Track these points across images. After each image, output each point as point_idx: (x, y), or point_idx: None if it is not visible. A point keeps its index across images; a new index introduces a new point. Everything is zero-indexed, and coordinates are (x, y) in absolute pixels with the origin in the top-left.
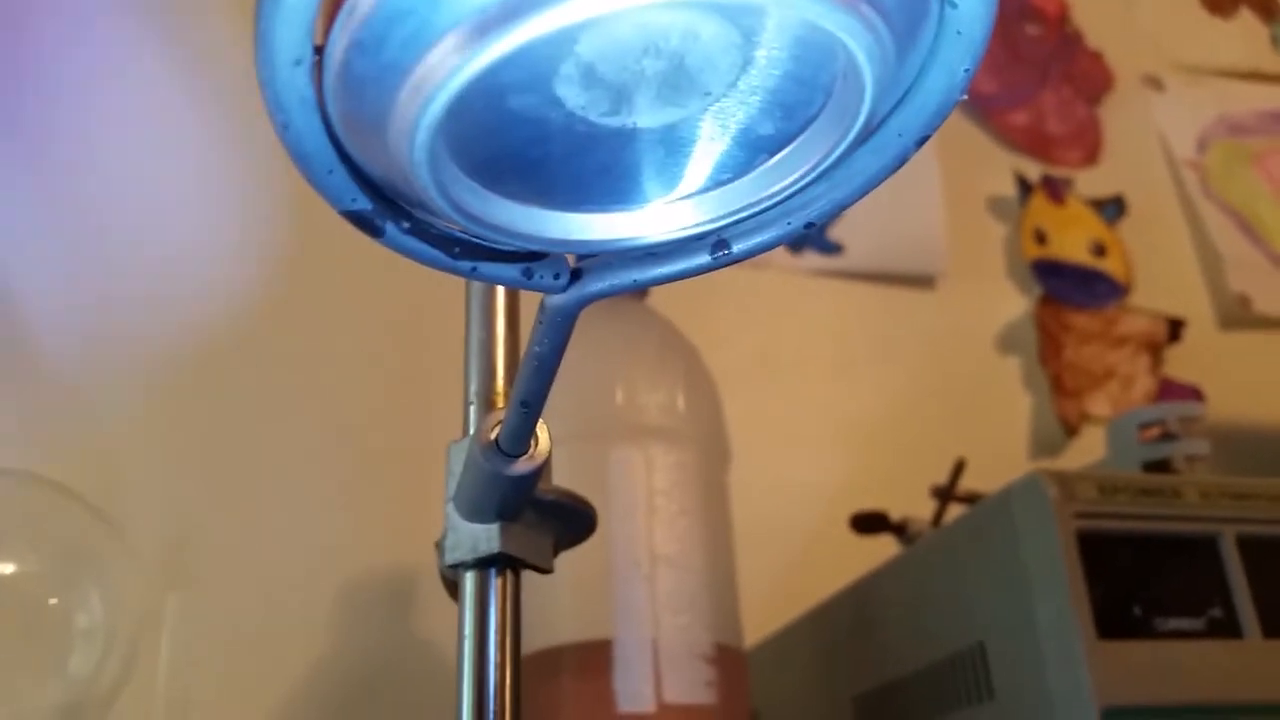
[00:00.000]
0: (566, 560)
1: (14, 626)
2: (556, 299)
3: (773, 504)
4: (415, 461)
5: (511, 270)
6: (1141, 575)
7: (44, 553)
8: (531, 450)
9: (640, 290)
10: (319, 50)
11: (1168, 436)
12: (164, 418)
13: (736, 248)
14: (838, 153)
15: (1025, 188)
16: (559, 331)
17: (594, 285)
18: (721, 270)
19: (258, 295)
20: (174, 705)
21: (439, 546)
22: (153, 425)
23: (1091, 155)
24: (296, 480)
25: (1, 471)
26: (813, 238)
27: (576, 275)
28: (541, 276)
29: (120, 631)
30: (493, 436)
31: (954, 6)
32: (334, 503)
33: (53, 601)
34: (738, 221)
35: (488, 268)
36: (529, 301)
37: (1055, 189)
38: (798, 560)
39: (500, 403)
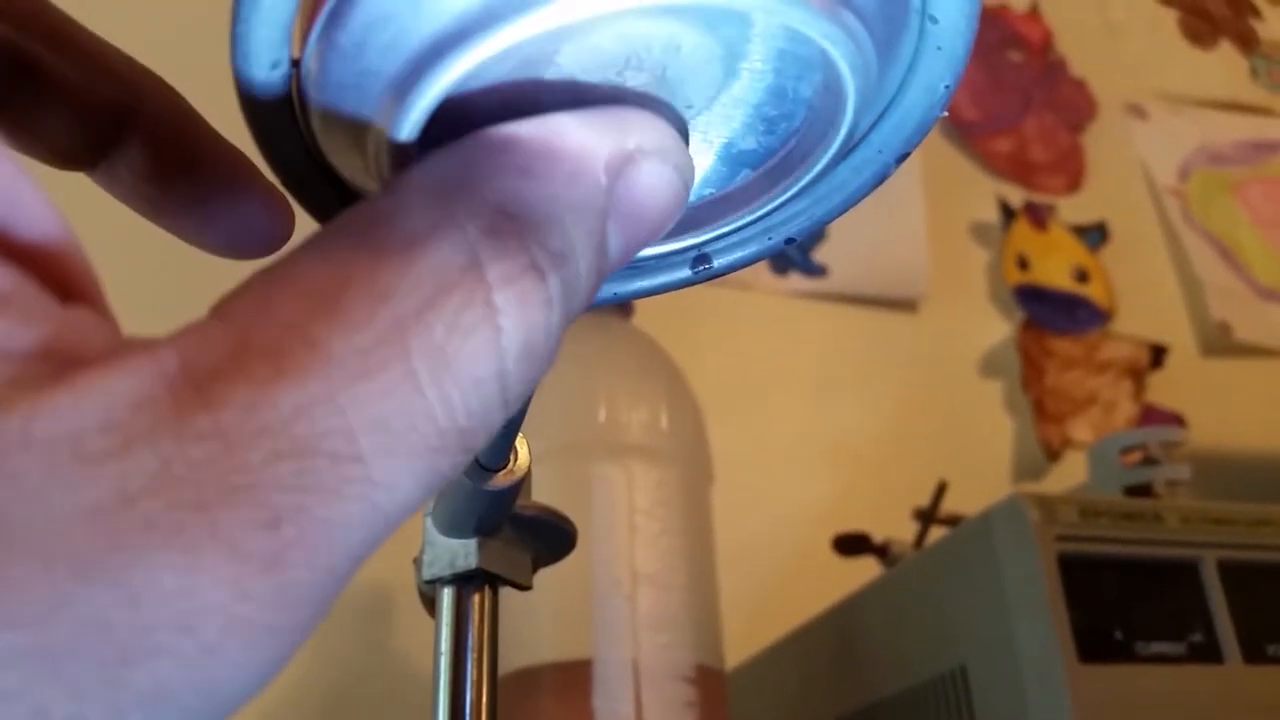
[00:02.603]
0: (546, 578)
1: None
2: None
3: (755, 525)
4: None
5: None
6: (1122, 599)
7: None
8: (510, 465)
9: (624, 308)
10: (297, 55)
11: (1149, 461)
12: None
13: (718, 262)
14: (819, 167)
15: (1008, 213)
16: None
17: None
18: (706, 291)
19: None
20: None
21: (417, 562)
22: None
23: (1074, 182)
24: None
25: None
26: (797, 260)
27: None
28: None
29: None
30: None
31: (934, 21)
32: None
33: None
34: (719, 236)
35: None
36: None
37: (1038, 215)
38: (779, 581)
39: None
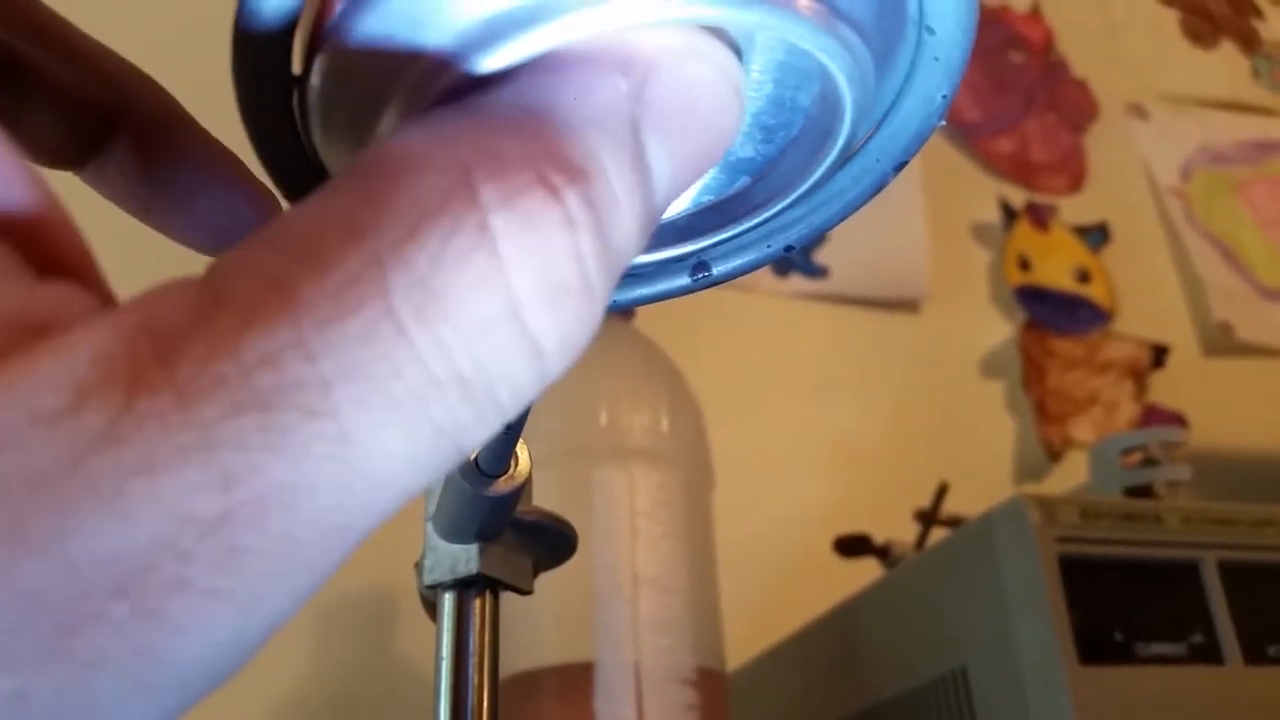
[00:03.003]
0: (548, 582)
1: None
2: None
3: (756, 526)
4: None
5: None
6: (1123, 600)
7: None
8: (511, 470)
9: (625, 312)
10: (299, 73)
11: (1150, 462)
12: None
13: (717, 270)
14: (817, 176)
15: (1009, 214)
16: None
17: None
18: (706, 294)
19: None
20: None
21: (418, 567)
22: None
23: (1076, 182)
24: None
25: None
26: (798, 261)
27: None
28: None
29: None
30: (472, 456)
31: (931, 32)
32: None
33: None
34: (718, 244)
35: None
36: None
37: (1039, 216)
38: (780, 583)
39: None
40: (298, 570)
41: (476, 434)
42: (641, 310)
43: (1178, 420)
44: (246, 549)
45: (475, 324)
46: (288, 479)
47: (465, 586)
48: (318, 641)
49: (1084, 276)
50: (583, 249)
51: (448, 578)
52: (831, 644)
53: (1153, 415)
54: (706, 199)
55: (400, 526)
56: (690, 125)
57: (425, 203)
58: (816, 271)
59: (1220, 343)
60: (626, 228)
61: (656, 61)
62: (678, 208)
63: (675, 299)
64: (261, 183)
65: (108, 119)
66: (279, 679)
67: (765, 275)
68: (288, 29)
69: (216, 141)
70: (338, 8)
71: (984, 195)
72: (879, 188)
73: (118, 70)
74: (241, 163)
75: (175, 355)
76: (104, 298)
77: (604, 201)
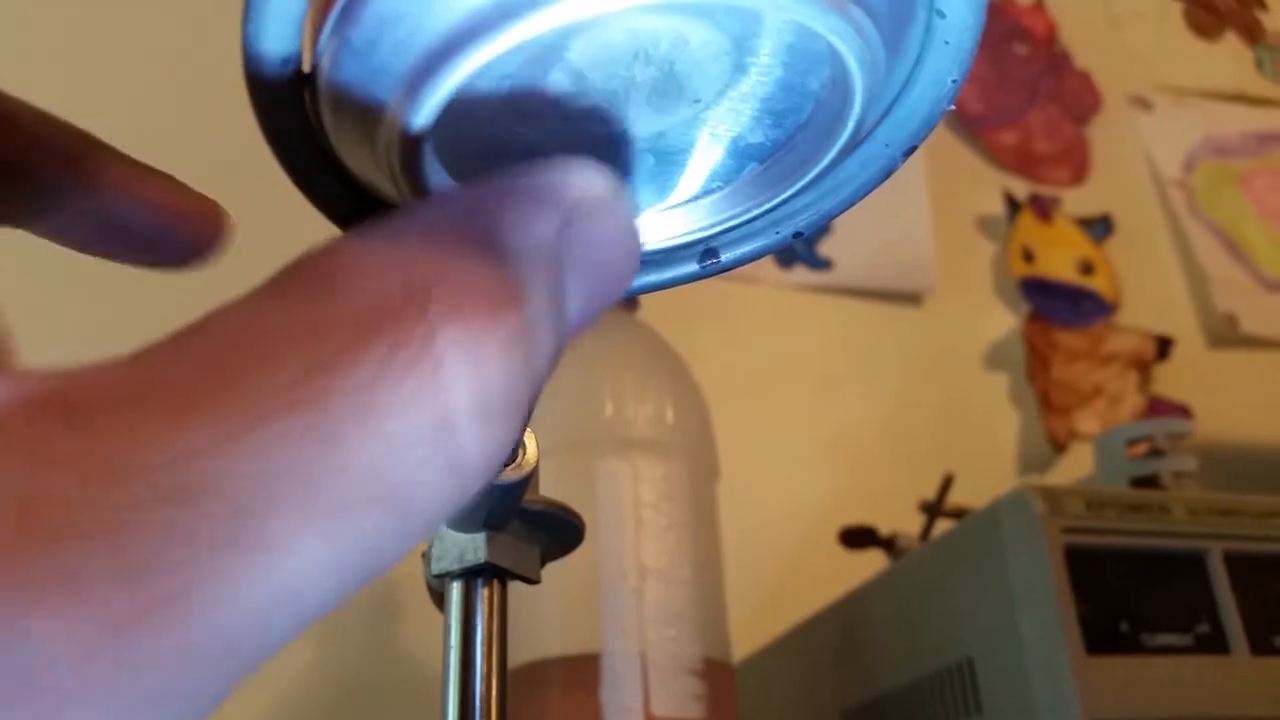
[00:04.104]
0: (554, 573)
1: None
2: None
3: (760, 519)
4: None
5: None
6: (1129, 591)
7: None
8: (519, 459)
9: (629, 302)
10: (308, 51)
11: (1155, 453)
12: None
13: (725, 256)
14: (826, 161)
15: (1013, 206)
16: None
17: None
18: (710, 284)
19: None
20: None
21: (425, 556)
22: None
23: (1079, 174)
24: None
25: None
26: (801, 253)
27: None
28: None
29: None
30: None
31: (942, 16)
32: None
33: None
34: (726, 230)
35: None
36: None
37: (1043, 207)
38: (785, 575)
39: None
40: (217, 670)
41: (395, 548)
42: (644, 301)
43: (1183, 412)
44: (155, 647)
45: (410, 437)
46: (203, 576)
47: (473, 575)
48: (322, 633)
49: (1087, 268)
50: (517, 370)
51: (455, 566)
52: (837, 635)
53: (1157, 407)
54: (716, 185)
55: None
56: (601, 271)
57: (373, 311)
58: (820, 264)
59: (1225, 335)
60: (547, 355)
61: (581, 204)
62: (687, 193)
63: (680, 288)
64: (196, 194)
65: (51, 190)
66: (283, 671)
67: (769, 268)
68: (297, 9)
69: (134, 163)
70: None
71: (988, 187)
72: (888, 173)
73: (61, 140)
74: (170, 178)
75: (93, 432)
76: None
77: (536, 328)
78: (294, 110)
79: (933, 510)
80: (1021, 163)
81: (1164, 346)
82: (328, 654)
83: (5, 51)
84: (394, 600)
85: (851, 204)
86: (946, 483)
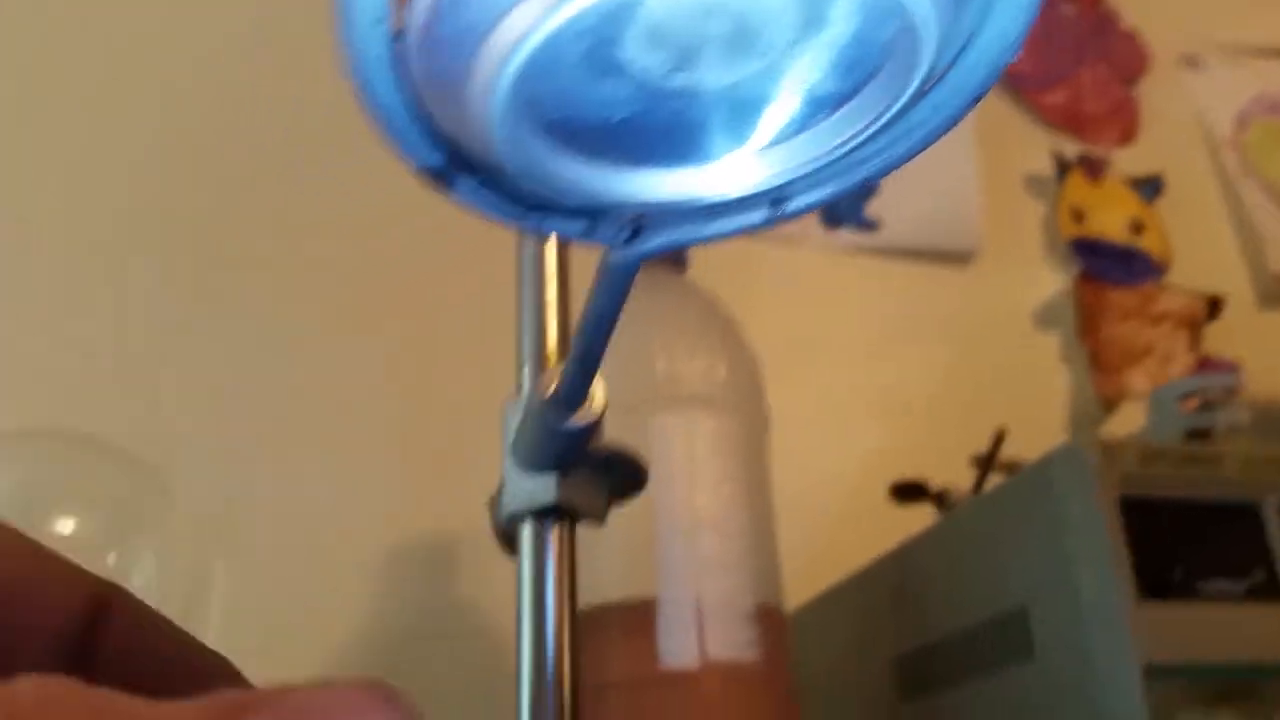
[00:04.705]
0: (613, 523)
1: None
2: (617, 254)
3: (812, 477)
4: (462, 422)
5: (575, 225)
6: (1183, 540)
7: (100, 512)
8: (588, 405)
9: (679, 263)
10: (398, 14)
11: (1208, 407)
12: (210, 374)
13: (794, 203)
14: (896, 109)
15: (1062, 166)
16: (619, 287)
17: (654, 240)
18: (756, 249)
19: (316, 256)
20: None
21: (492, 502)
22: (197, 380)
23: (1128, 134)
24: (342, 439)
25: (53, 433)
26: (849, 214)
27: (637, 231)
28: (604, 231)
29: (173, 590)
30: (551, 391)
31: None
32: (379, 463)
33: (110, 559)
34: (797, 179)
35: (553, 223)
36: (580, 263)
37: (1092, 168)
38: (835, 533)
39: (552, 363)
40: None
41: None
42: (695, 265)
43: (1234, 370)
44: None
45: None
46: None
47: (543, 516)
48: (381, 584)
49: (1138, 228)
50: None
51: (525, 508)
52: (890, 584)
53: (1208, 366)
54: (788, 134)
55: (466, 470)
56: None
57: None
58: (868, 224)
59: (1276, 294)
60: None
61: None
62: (760, 143)
63: (726, 254)
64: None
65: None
66: (344, 623)
67: (816, 230)
68: None
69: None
70: None
71: (1037, 148)
72: (955, 121)
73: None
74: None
75: None
76: None
77: None
78: (386, 70)
79: (985, 463)
80: (1070, 123)
81: (1214, 306)
82: (387, 606)
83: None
84: (455, 552)
85: (919, 150)
86: (999, 436)
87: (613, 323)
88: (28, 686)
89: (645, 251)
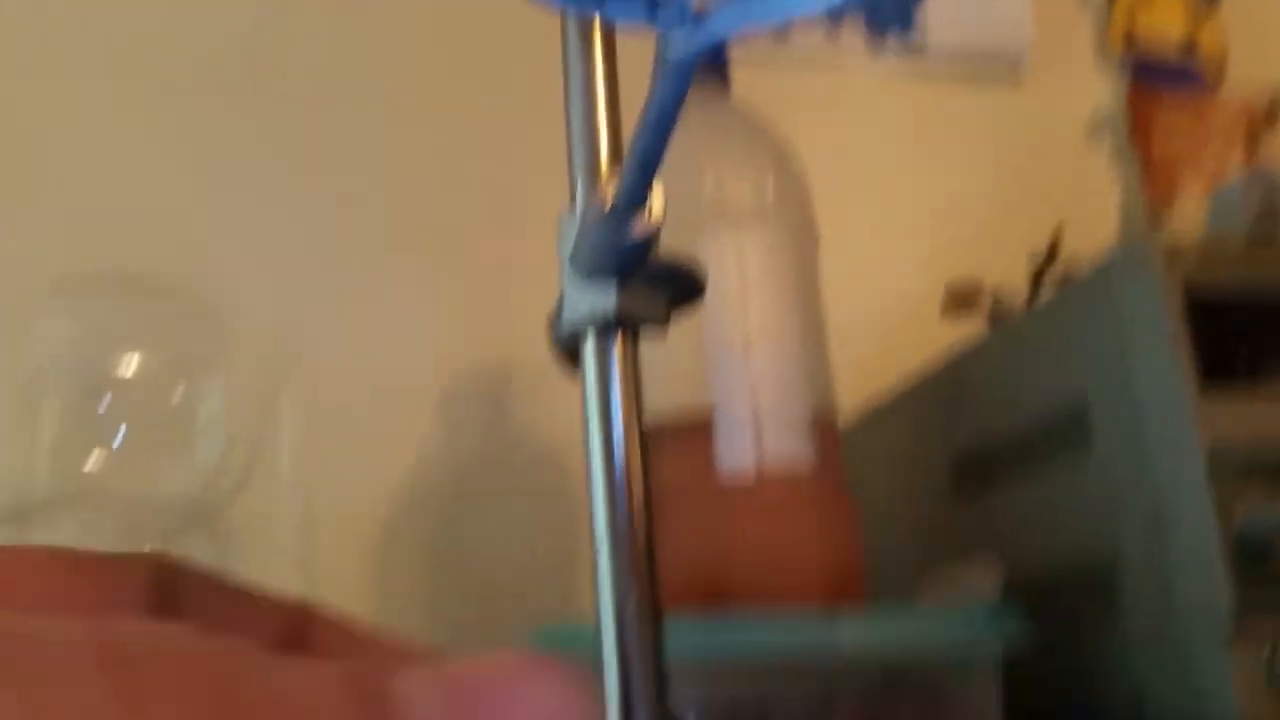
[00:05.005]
0: (669, 339)
1: (145, 417)
2: (679, 43)
3: (862, 292)
4: (516, 244)
5: (637, 8)
6: (1246, 336)
7: (166, 348)
8: (647, 211)
9: (720, 86)
10: None
11: (1270, 210)
12: (263, 207)
13: None
14: None
15: None
16: (679, 81)
17: (717, 26)
18: (801, 77)
19: (364, 89)
20: (296, 493)
21: (552, 320)
22: (251, 213)
23: None
24: (398, 265)
25: (113, 275)
26: (896, 26)
27: (700, 17)
28: (667, 15)
29: (241, 420)
30: (610, 196)
31: None
32: (436, 291)
33: (178, 392)
34: None
35: (614, 6)
36: (628, 73)
37: None
38: (890, 348)
39: (606, 173)
40: None
41: None
42: (736, 91)
43: None
44: None
45: None
46: None
47: (605, 327)
48: (444, 409)
49: (1192, 40)
50: None
51: (587, 318)
52: (946, 387)
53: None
54: None
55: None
56: None
57: None
58: (914, 38)
59: None
60: None
61: None
62: None
63: (767, 80)
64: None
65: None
66: (411, 446)
67: (858, 53)
68: None
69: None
70: None
71: None
72: None
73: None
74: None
75: None
76: None
77: None
78: None
79: (1046, 260)
80: None
81: (1274, 109)
82: (449, 436)
83: None
84: (511, 379)
85: None
86: (1057, 234)
87: (674, 121)
88: (180, 629)
89: (711, 36)
